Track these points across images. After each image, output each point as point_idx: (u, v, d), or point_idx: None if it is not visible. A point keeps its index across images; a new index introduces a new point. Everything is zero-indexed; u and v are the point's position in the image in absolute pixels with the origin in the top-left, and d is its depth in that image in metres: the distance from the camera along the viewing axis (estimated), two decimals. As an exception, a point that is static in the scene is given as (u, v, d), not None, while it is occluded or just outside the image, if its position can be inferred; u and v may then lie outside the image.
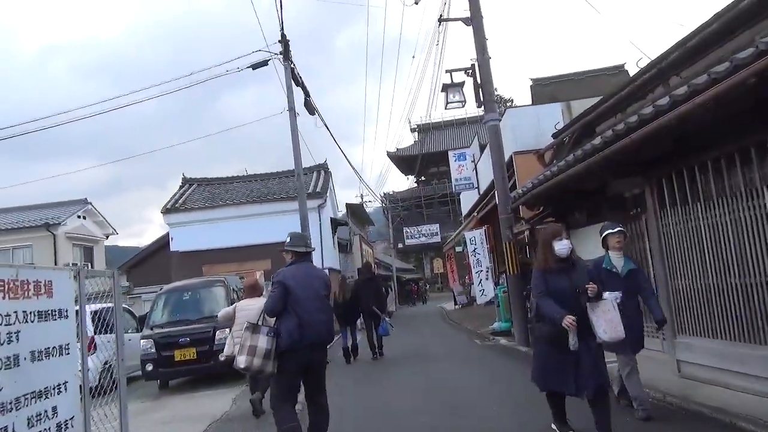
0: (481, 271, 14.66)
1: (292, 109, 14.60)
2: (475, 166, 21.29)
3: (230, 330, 7.23)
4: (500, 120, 11.97)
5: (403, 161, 63.60)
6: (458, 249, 35.73)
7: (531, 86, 19.44)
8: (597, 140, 6.76)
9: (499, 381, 8.13)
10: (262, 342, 4.55)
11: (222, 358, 7.42)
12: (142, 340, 9.71)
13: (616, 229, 5.75)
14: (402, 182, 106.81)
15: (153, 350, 9.49)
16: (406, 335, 16.30)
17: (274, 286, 4.73)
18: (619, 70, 20.40)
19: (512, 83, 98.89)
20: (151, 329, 9.87)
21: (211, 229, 20.53)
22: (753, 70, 3.95)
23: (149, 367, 9.50)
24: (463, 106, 12.53)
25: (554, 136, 10.00)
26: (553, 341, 4.44)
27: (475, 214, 15.00)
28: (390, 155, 63.01)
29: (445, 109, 12.63)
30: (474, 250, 14.80)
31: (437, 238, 55.75)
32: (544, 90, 16.87)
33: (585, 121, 8.96)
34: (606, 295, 4.50)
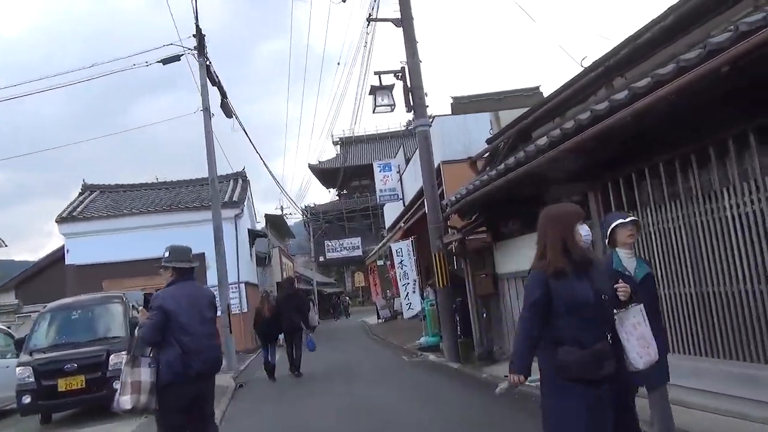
0: (408, 283, 14.08)
1: (206, 108, 13.46)
2: (401, 177, 20.85)
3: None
4: (431, 126, 11.49)
5: (324, 174, 62.89)
6: (380, 263, 35.31)
7: (452, 104, 19.33)
8: (542, 141, 6.31)
9: (430, 400, 7.50)
10: (145, 375, 3.96)
11: None
12: (18, 368, 8.21)
13: (628, 219, 4.02)
14: (323, 196, 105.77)
15: (31, 379, 8.03)
16: (329, 351, 15.37)
17: (153, 312, 4.13)
18: (534, 92, 20.92)
19: (432, 99, 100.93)
20: (30, 354, 8.39)
21: (113, 240, 18.67)
22: (732, 54, 3.53)
23: (26, 400, 8.01)
24: (392, 110, 11.96)
25: (488, 141, 9.59)
26: (588, 378, 2.75)
27: (402, 224, 14.45)
28: (312, 168, 62.03)
29: (373, 113, 11.99)
30: (401, 262, 14.20)
31: (359, 252, 55.38)
32: (465, 107, 16.73)
33: (521, 127, 8.59)
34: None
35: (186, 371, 4.04)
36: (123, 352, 7.33)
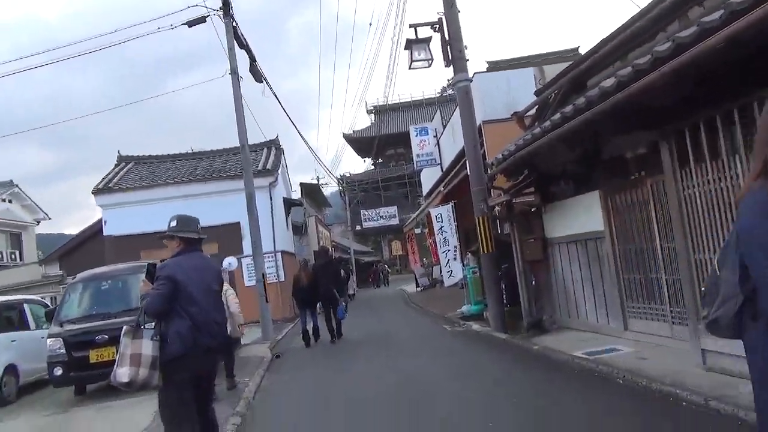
0: (449, 250, 13.43)
1: (234, 72, 12.91)
2: (438, 141, 20.05)
3: None
4: (471, 81, 10.65)
5: (359, 143, 62.32)
6: (417, 231, 34.68)
7: (487, 69, 18.25)
8: (608, 82, 5.50)
9: (477, 375, 6.86)
10: (147, 348, 3.68)
11: None
12: (48, 340, 7.99)
13: None
14: (358, 165, 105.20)
15: (62, 350, 7.80)
16: (368, 320, 15.01)
17: (161, 282, 3.85)
18: (574, 53, 19.69)
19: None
20: (61, 325, 8.15)
21: (149, 210, 18.53)
22: None
23: (58, 371, 7.80)
24: (430, 65, 11.15)
25: (537, 93, 8.75)
26: None
27: (441, 188, 13.73)
28: (346, 137, 61.54)
29: (410, 68, 11.21)
30: (441, 228, 13.54)
31: (395, 221, 54.96)
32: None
33: (574, 74, 7.72)
34: None
35: (196, 343, 3.79)
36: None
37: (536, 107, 8.83)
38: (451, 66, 10.55)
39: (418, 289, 27.08)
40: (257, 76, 14.82)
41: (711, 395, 4.46)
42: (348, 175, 59.74)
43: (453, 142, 17.39)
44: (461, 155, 14.29)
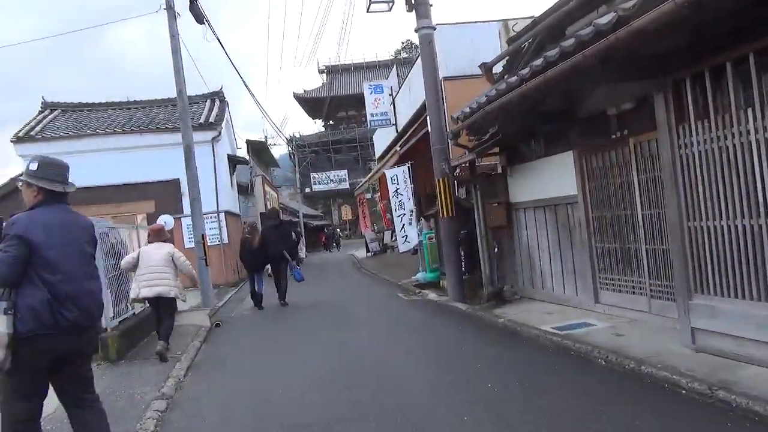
0: (404, 214, 12.68)
1: (170, 7, 11.48)
2: (393, 100, 19.12)
3: (134, 275, 7.27)
4: (435, 29, 9.72)
5: (310, 104, 60.73)
6: (368, 196, 33.86)
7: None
8: (586, 31, 4.75)
9: (442, 355, 6.13)
10: (1, 324, 2.90)
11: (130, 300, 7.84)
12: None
13: None
14: (306, 127, 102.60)
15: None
16: (318, 287, 14.19)
17: (8, 242, 3.02)
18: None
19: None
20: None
21: (78, 163, 16.16)
22: None
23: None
24: (390, 9, 10.17)
25: (509, 41, 7.92)
26: None
27: (397, 148, 12.88)
28: (297, 96, 59.80)
29: (368, 12, 10.19)
30: (396, 191, 12.74)
31: (345, 185, 54.22)
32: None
33: (551, 21, 6.91)
34: None
35: (56, 320, 3.02)
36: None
37: (506, 58, 8.03)
38: (414, 11, 9.59)
39: (369, 254, 26.45)
40: (198, 16, 13.37)
41: (711, 382, 3.90)
42: (298, 135, 58.03)
43: (410, 100, 16.50)
44: (420, 112, 13.45)
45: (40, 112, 18.81)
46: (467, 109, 7.40)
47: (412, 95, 16.27)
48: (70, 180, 3.39)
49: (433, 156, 9.52)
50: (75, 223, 3.32)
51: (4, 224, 3.34)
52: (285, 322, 9.24)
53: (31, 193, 3.22)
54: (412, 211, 12.68)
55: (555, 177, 7.56)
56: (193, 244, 16.98)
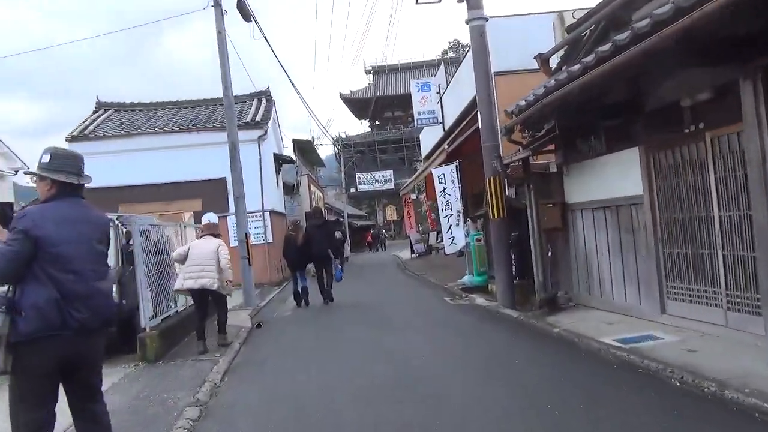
0: (451, 215, 12.23)
1: (217, 4, 11.41)
2: (441, 98, 18.68)
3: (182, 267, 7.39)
4: (487, 20, 9.24)
5: (356, 104, 60.86)
6: (414, 196, 33.42)
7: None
8: (663, 9, 4.21)
9: (496, 368, 5.63)
10: None
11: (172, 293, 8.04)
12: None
13: None
14: (351, 128, 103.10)
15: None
16: (362, 289, 13.94)
17: (12, 236, 2.83)
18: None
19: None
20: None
21: (128, 161, 17.22)
22: None
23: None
24: (440, 1, 9.75)
25: (569, 29, 7.37)
26: None
27: (445, 146, 12.43)
28: (343, 97, 60.04)
29: (417, 3, 9.81)
30: (443, 191, 12.31)
31: (390, 185, 53.96)
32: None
33: (617, 4, 6.35)
34: None
35: (64, 320, 2.83)
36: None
37: (564, 49, 7.50)
38: (465, 2, 9.15)
39: (413, 255, 26.02)
40: (245, 13, 13.31)
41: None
42: (344, 136, 58.11)
43: (458, 98, 16.03)
44: (470, 109, 12.98)
45: (94, 112, 19.28)
46: (522, 102, 6.92)
47: (460, 92, 15.80)
48: (85, 172, 3.19)
49: (484, 154, 9.05)
50: (88, 219, 3.13)
51: (14, 214, 3.15)
52: (326, 324, 8.96)
53: (44, 187, 3.04)
54: (459, 212, 12.23)
55: (617, 176, 6.99)
56: (237, 243, 17.09)
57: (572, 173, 8.10)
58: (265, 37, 14.11)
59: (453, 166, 12.15)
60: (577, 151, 7.82)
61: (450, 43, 60.48)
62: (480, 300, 9.86)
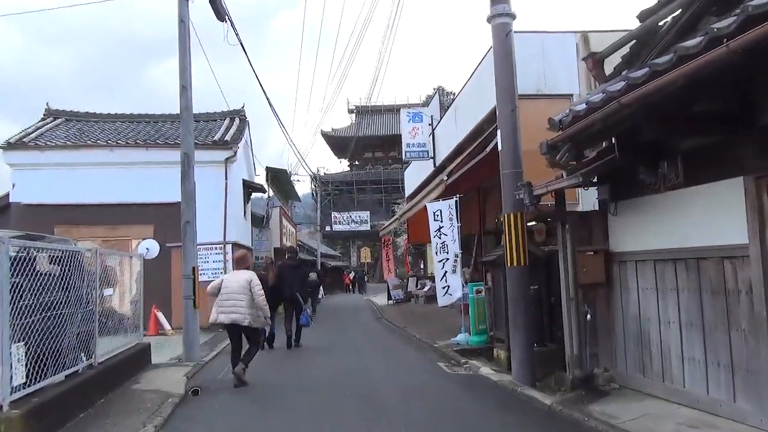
0: (447, 259, 10.17)
1: (181, -11, 9.45)
2: (433, 131, 16.95)
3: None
4: (515, 17, 7.43)
5: (337, 142, 59.71)
6: (398, 239, 31.44)
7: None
8: None
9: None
10: None
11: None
12: None
13: None
14: (330, 166, 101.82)
15: None
16: (335, 343, 11.68)
17: None
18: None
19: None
20: None
21: (72, 177, 14.88)
22: None
23: None
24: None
25: (642, 16, 5.49)
26: None
27: (444, 177, 10.43)
28: (324, 134, 58.81)
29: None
30: (438, 230, 10.29)
31: (366, 226, 52.42)
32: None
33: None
34: None
35: None
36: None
37: (631, 44, 5.65)
38: (487, -5, 7.37)
39: (390, 302, 23.76)
40: (219, 12, 11.44)
41: None
42: (322, 174, 56.28)
43: (455, 129, 14.24)
44: (476, 133, 11.15)
45: (42, 119, 16.98)
46: (581, 107, 4.97)
47: (457, 124, 14.03)
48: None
49: (504, 183, 7.10)
50: None
51: None
52: (288, 399, 6.66)
53: None
54: (457, 256, 10.19)
55: (702, 216, 5.06)
56: (203, 277, 14.62)
57: (623, 213, 6.17)
58: (240, 43, 12.23)
59: (452, 201, 10.18)
60: (634, 184, 5.88)
61: (434, 89, 60.09)
62: (485, 370, 7.69)
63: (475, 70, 12.10)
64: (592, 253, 6.38)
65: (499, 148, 7.29)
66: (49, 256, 5.82)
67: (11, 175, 14.86)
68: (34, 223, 12.83)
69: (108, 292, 8.31)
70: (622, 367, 6.22)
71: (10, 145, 14.69)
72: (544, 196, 6.45)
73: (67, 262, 6.13)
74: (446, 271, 10.12)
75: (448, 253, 10.17)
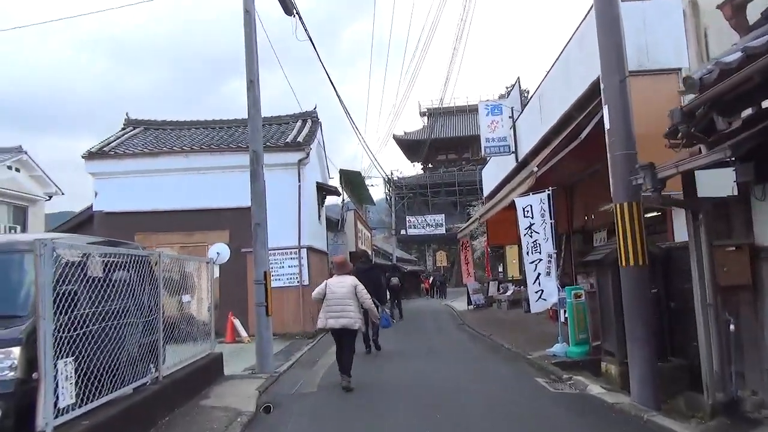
0: (540, 260, 9.09)
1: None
2: (514, 123, 15.80)
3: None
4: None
5: (409, 146, 59.23)
6: (474, 242, 30.17)
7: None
8: None
9: None
10: None
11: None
12: None
13: None
14: (403, 170, 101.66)
15: None
16: (415, 351, 10.84)
17: None
18: None
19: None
20: None
21: (150, 184, 14.96)
22: None
23: None
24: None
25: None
26: None
27: (534, 168, 9.34)
28: (397, 139, 58.50)
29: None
30: (529, 227, 9.23)
31: (442, 230, 51.45)
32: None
33: None
34: None
35: None
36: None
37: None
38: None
39: (470, 307, 22.65)
40: (287, 6, 10.99)
41: None
42: (396, 178, 55.81)
43: (540, 119, 13.09)
44: (564, 121, 10.05)
45: (122, 129, 17.32)
46: (730, 58, 3.87)
47: (542, 114, 12.87)
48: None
49: (612, 168, 6.02)
50: None
51: None
52: (366, 422, 5.88)
53: None
54: (551, 256, 9.09)
55: None
56: (280, 283, 14.30)
57: (774, 197, 4.95)
58: (309, 38, 11.74)
59: (544, 195, 9.09)
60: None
61: (507, 87, 58.33)
62: (594, 388, 6.57)
63: (562, 50, 10.97)
64: (733, 248, 5.19)
65: (607, 126, 6.21)
66: (110, 261, 5.37)
67: (93, 184, 15.12)
68: (116, 231, 12.90)
69: (186, 298, 7.96)
70: (778, 390, 4.99)
71: (92, 155, 14.95)
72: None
73: (132, 267, 5.70)
74: (539, 274, 9.05)
75: (540, 253, 9.09)
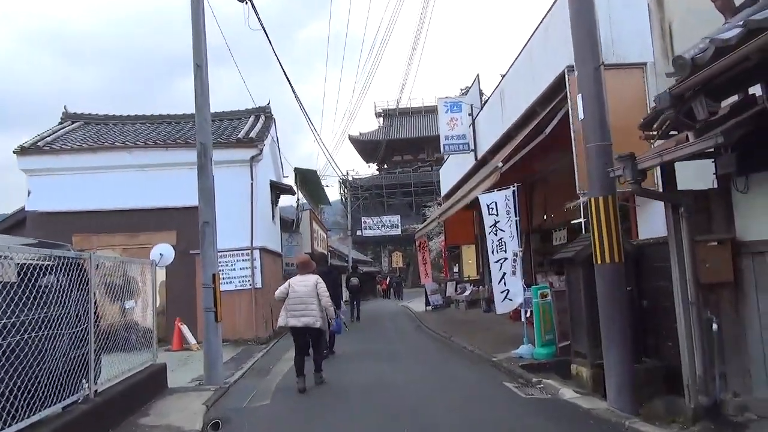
0: (505, 259, 8.77)
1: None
2: (473, 121, 15.55)
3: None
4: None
5: (365, 146, 58.96)
6: (431, 243, 29.97)
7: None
8: None
9: None
10: None
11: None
12: None
13: None
14: (360, 171, 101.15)
15: None
16: (374, 354, 10.35)
17: None
18: None
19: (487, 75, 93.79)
20: None
21: (89, 182, 13.95)
22: None
23: None
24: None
25: None
26: None
27: (499, 164, 9.00)
28: (352, 139, 58.15)
29: None
30: (494, 225, 8.90)
31: (397, 231, 51.53)
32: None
33: None
34: None
35: None
36: None
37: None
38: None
39: (428, 308, 22.34)
40: (237, -9, 10.33)
41: None
42: (351, 178, 55.24)
43: (501, 116, 12.84)
44: (527, 117, 9.78)
45: (60, 123, 16.15)
46: (728, 35, 3.55)
47: (503, 110, 12.63)
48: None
49: (588, 159, 5.70)
50: None
51: None
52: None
53: None
54: (516, 255, 8.78)
55: None
56: (231, 286, 13.53)
57: (758, 189, 4.71)
58: (262, 26, 11.06)
59: (509, 191, 8.78)
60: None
61: (462, 89, 58.76)
62: (567, 392, 6.24)
63: (526, 43, 10.71)
64: (714, 243, 4.94)
65: (580, 116, 5.89)
66: (28, 265, 4.65)
67: (27, 182, 13.98)
68: (52, 232, 11.87)
69: (129, 304, 7.25)
70: (761, 392, 4.75)
71: (24, 150, 13.80)
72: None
73: (60, 271, 4.99)
74: (505, 273, 8.72)
75: (506, 252, 8.78)
